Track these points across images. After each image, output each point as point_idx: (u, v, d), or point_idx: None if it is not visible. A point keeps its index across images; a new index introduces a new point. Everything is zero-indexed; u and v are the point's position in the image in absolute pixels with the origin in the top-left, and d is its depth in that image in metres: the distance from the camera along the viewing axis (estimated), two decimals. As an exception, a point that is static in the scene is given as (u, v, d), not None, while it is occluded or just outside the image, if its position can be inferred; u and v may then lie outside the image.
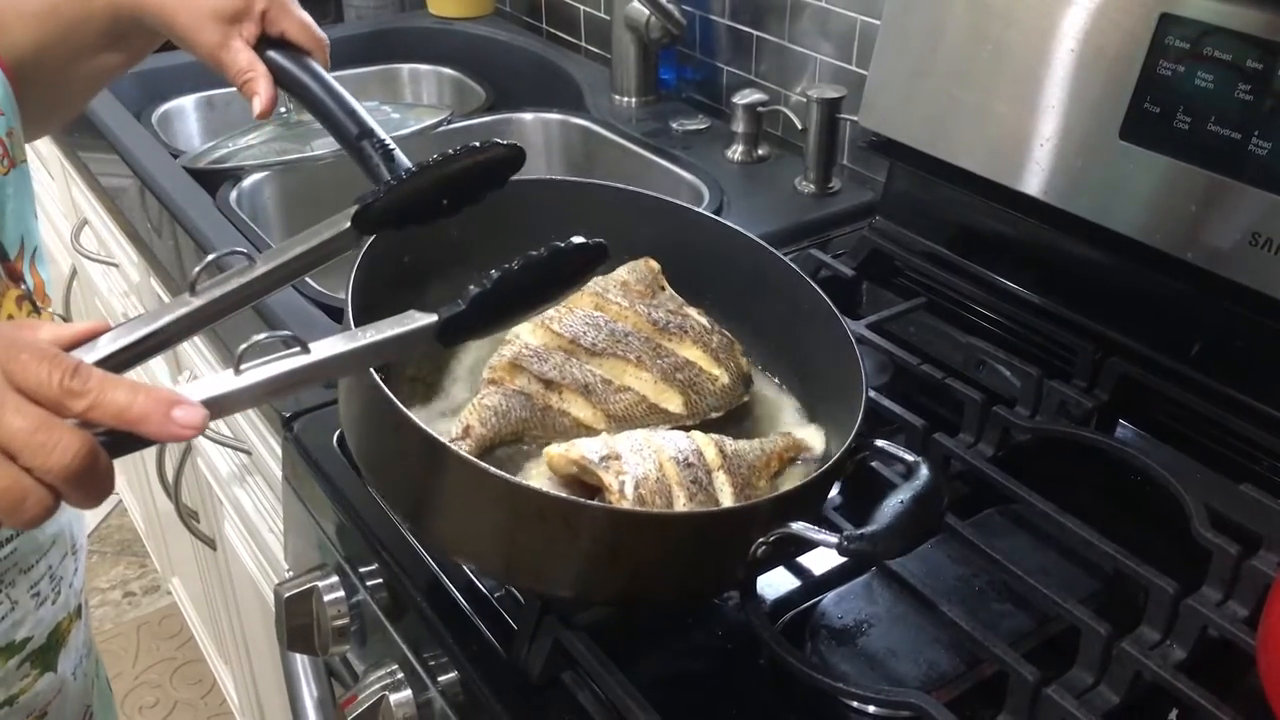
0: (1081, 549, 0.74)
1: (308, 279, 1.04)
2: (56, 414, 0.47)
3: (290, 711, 0.92)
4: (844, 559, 0.75)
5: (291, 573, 0.96)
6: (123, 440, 0.48)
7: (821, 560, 0.76)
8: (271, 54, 0.77)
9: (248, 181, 1.31)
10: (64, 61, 0.82)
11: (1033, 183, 0.96)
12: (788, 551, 0.68)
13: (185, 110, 1.59)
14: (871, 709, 0.66)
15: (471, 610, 0.72)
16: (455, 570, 0.75)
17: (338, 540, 0.85)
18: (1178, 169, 0.85)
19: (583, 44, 1.75)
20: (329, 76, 0.77)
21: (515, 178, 0.71)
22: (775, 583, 0.75)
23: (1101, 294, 0.94)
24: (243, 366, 0.52)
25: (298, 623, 0.85)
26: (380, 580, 0.79)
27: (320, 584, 0.84)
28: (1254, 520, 0.74)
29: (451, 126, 1.45)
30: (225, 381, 0.51)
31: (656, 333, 0.77)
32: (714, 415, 0.77)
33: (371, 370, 0.61)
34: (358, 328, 0.56)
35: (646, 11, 1.41)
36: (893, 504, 0.62)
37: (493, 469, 0.60)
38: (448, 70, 1.73)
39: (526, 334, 0.76)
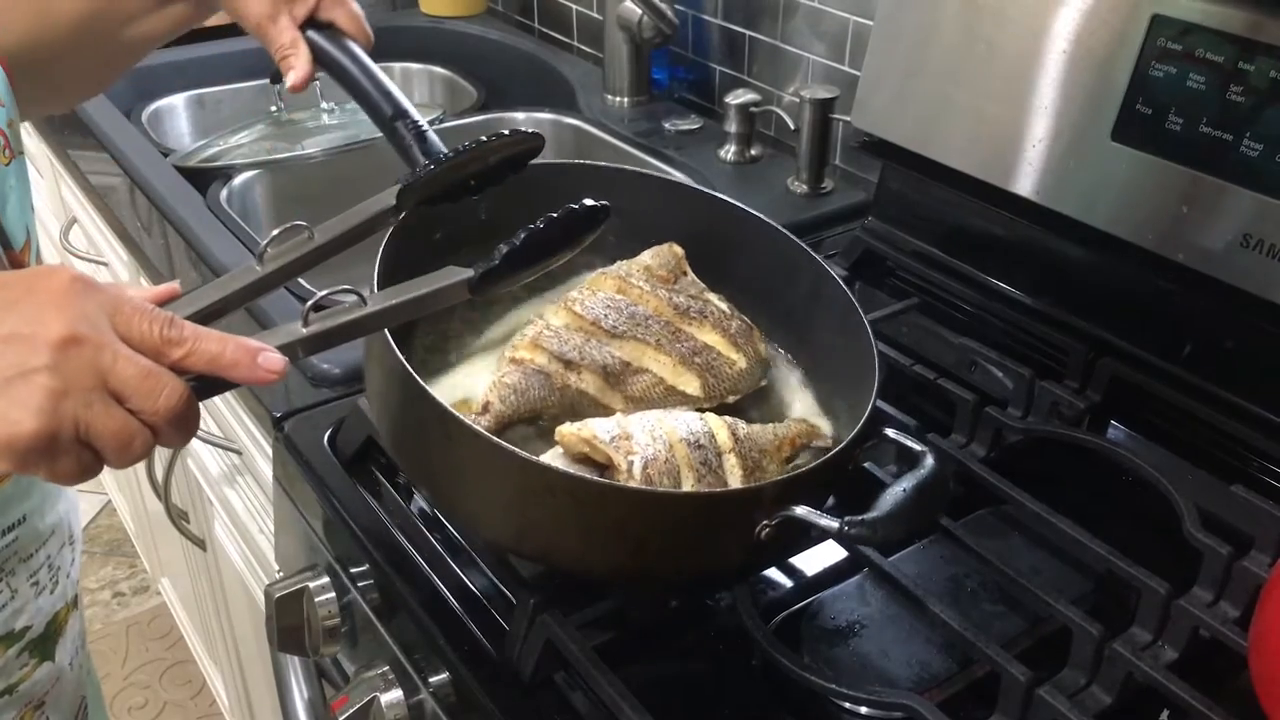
0: (1073, 550, 0.74)
1: (300, 279, 1.04)
2: (156, 362, 0.51)
3: (280, 712, 0.91)
4: (838, 561, 0.76)
5: (282, 573, 0.95)
6: (209, 385, 0.54)
7: (814, 561, 0.76)
8: (313, 34, 0.81)
9: (238, 180, 1.31)
10: (113, 25, 0.83)
11: (1025, 183, 0.96)
12: (794, 539, 0.68)
13: (175, 108, 1.59)
14: (864, 710, 0.66)
15: (463, 611, 0.72)
16: (447, 570, 0.75)
17: (328, 540, 0.84)
18: (1169, 170, 0.85)
19: (575, 43, 1.75)
20: (367, 59, 0.81)
21: (545, 161, 0.77)
22: (768, 583, 0.75)
23: (1093, 295, 0.94)
24: (310, 318, 0.58)
25: (288, 623, 0.84)
26: (371, 580, 0.79)
27: (311, 584, 0.84)
28: (1245, 521, 0.74)
29: (443, 126, 1.45)
30: (295, 332, 0.58)
31: (677, 317, 0.78)
32: (730, 399, 0.78)
33: (394, 347, 0.65)
34: (404, 282, 0.62)
35: (639, 11, 1.41)
36: (894, 492, 0.62)
37: (506, 444, 0.62)
38: (439, 69, 1.73)
39: (550, 314, 0.78)
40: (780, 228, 0.83)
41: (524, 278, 0.64)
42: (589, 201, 0.65)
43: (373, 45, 0.83)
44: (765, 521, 0.63)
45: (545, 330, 0.76)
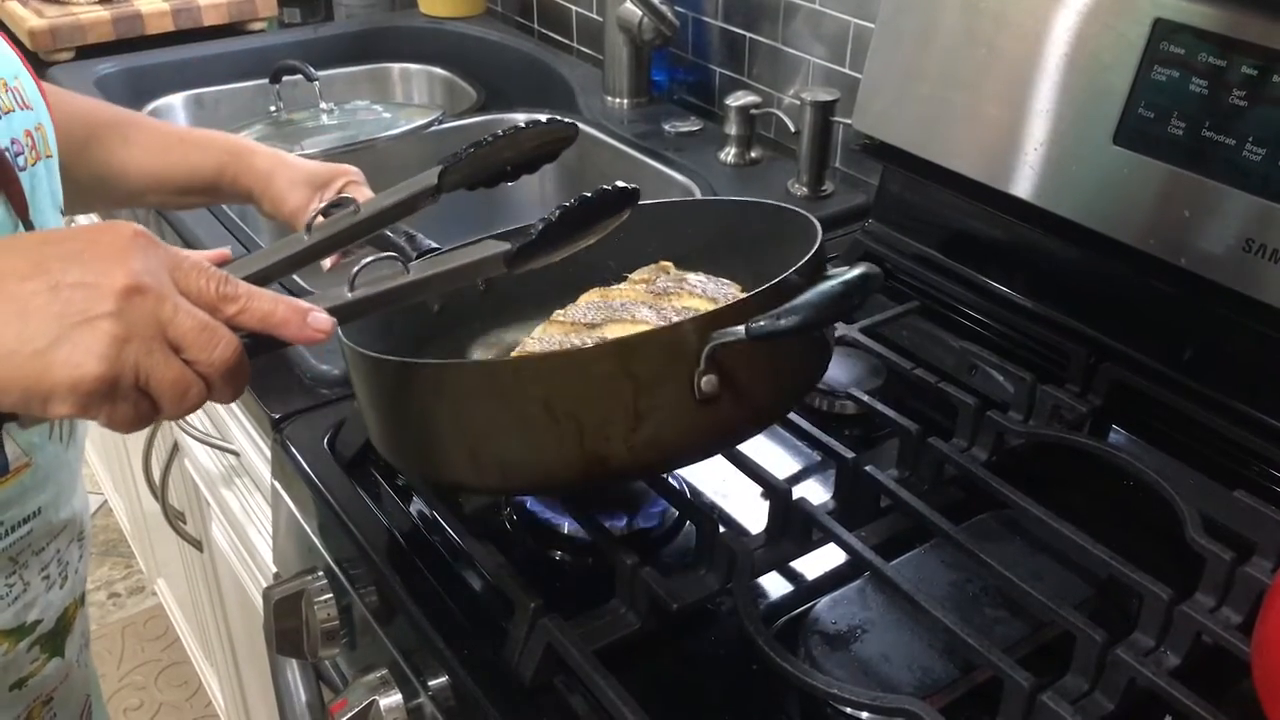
0: (1075, 555, 0.74)
1: (295, 276, 1.05)
2: (211, 317, 0.54)
3: (278, 716, 0.91)
4: (839, 565, 0.76)
5: (280, 575, 0.95)
6: (261, 343, 0.56)
7: (815, 565, 0.76)
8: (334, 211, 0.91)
9: (237, 180, 1.30)
10: (155, 200, 0.96)
11: (1026, 187, 0.96)
12: (748, 401, 0.66)
13: (174, 108, 1.58)
14: (865, 715, 0.66)
15: (462, 614, 0.72)
16: (446, 573, 0.75)
17: (327, 543, 0.84)
18: (1171, 174, 0.85)
19: (575, 45, 1.75)
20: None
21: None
22: (769, 587, 0.75)
23: (1095, 299, 0.94)
24: (356, 283, 0.61)
25: (287, 626, 0.84)
26: (370, 583, 0.78)
27: (309, 587, 0.84)
28: (1247, 526, 0.74)
29: (443, 127, 1.45)
30: (341, 296, 0.60)
31: (655, 297, 0.79)
32: None
33: (340, 333, 0.68)
34: (443, 253, 0.65)
35: (639, 13, 1.41)
36: (810, 288, 0.62)
37: (414, 359, 0.66)
38: (439, 70, 1.73)
39: (538, 330, 0.79)
40: (739, 198, 0.85)
41: (557, 254, 0.65)
42: (620, 184, 0.67)
43: None
44: (699, 369, 0.62)
45: (530, 339, 0.78)
